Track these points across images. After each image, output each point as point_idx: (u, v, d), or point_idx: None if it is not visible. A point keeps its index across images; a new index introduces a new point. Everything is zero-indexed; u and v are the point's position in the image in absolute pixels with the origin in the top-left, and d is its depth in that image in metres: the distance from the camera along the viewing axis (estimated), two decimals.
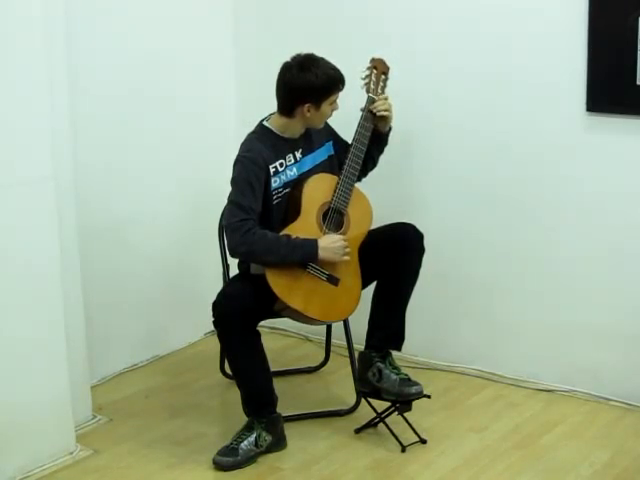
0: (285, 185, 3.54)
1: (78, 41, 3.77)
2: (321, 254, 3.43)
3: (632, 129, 3.62)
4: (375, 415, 3.62)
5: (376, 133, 3.62)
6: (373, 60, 3.68)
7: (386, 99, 3.62)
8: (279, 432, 3.54)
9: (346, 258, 3.48)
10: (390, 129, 3.69)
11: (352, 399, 3.81)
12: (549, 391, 3.94)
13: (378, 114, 3.60)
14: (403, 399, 3.49)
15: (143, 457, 3.52)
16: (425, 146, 4.10)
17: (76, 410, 3.61)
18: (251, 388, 3.51)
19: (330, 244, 3.45)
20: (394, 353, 3.59)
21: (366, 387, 3.58)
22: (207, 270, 4.27)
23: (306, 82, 3.42)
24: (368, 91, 3.63)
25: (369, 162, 3.66)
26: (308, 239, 3.44)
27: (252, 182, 3.43)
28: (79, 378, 3.68)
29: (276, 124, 3.55)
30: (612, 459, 3.42)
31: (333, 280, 3.49)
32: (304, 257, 3.43)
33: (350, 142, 3.58)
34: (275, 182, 3.51)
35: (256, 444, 3.46)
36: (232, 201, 3.44)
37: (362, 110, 3.60)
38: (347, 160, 3.55)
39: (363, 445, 3.57)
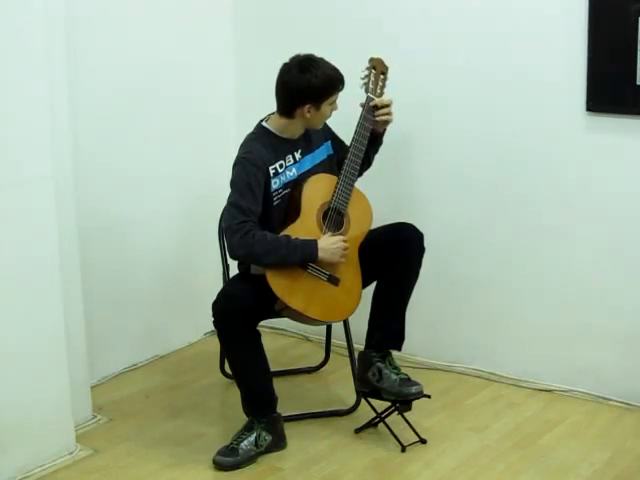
0: (285, 186, 3.54)
1: (78, 41, 3.77)
2: (321, 255, 3.42)
3: (632, 129, 3.62)
4: (375, 415, 3.62)
5: (373, 133, 3.62)
6: (372, 60, 3.68)
7: (390, 104, 3.61)
8: (279, 432, 3.54)
9: (343, 260, 3.48)
10: (385, 130, 3.70)
11: (352, 399, 3.81)
12: (549, 391, 3.94)
13: (380, 119, 3.60)
14: (403, 399, 3.49)
15: (143, 457, 3.52)
16: (425, 146, 4.10)
17: (76, 410, 3.61)
18: (251, 388, 3.51)
19: (329, 245, 3.45)
20: (394, 353, 3.59)
21: (366, 387, 3.58)
22: (207, 270, 4.27)
23: (306, 83, 3.42)
24: (367, 91, 3.63)
25: (364, 162, 3.65)
26: (308, 240, 3.44)
27: (251, 184, 3.42)
28: (79, 378, 3.68)
29: (275, 125, 3.55)
30: (612, 459, 3.42)
31: (333, 280, 3.49)
32: (304, 258, 3.42)
33: (349, 142, 3.59)
34: (275, 183, 3.51)
35: (256, 444, 3.46)
36: (231, 203, 3.44)
37: (362, 106, 3.59)
38: (346, 160, 3.55)
39: (363, 445, 3.57)
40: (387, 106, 3.62)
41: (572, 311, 3.88)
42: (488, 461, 3.43)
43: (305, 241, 3.43)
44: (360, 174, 3.66)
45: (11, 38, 3.21)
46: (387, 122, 3.64)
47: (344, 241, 3.49)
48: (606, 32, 3.58)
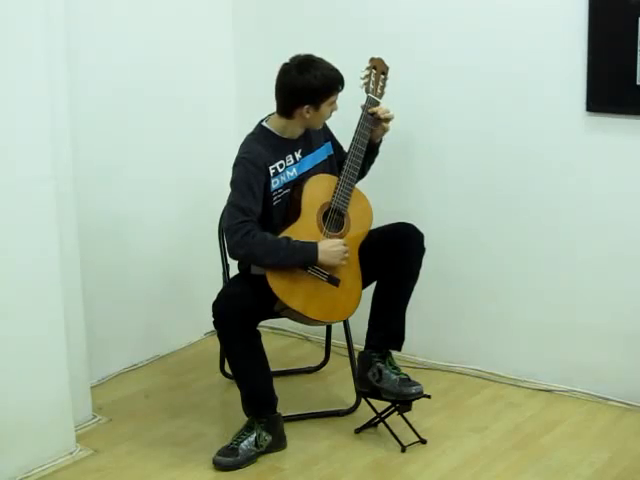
0: (285, 186, 3.53)
1: (78, 41, 3.77)
2: (321, 257, 3.42)
3: (632, 129, 3.62)
4: (375, 415, 3.62)
5: (369, 143, 3.60)
6: (372, 60, 3.68)
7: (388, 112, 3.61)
8: (279, 432, 3.54)
9: (344, 263, 3.48)
10: (381, 140, 3.69)
11: (352, 399, 3.81)
12: (549, 391, 3.94)
13: (382, 117, 3.59)
14: (403, 399, 3.49)
15: (143, 457, 3.53)
16: (425, 146, 4.10)
17: (76, 410, 3.61)
18: (251, 388, 3.51)
19: (330, 248, 3.44)
20: (394, 353, 3.59)
21: (366, 387, 3.58)
22: (207, 270, 4.26)
23: (305, 83, 3.42)
24: (367, 91, 3.63)
25: (359, 171, 3.62)
26: (308, 243, 3.44)
27: (251, 184, 3.43)
28: (79, 378, 3.68)
29: (275, 125, 3.55)
30: (612, 459, 3.42)
31: (333, 281, 3.49)
32: (304, 260, 3.42)
33: (349, 143, 3.58)
34: (275, 183, 3.51)
35: (256, 444, 3.46)
36: (232, 203, 3.44)
37: (362, 108, 3.59)
38: (347, 160, 3.55)
39: (363, 445, 3.57)
40: (387, 120, 3.61)
41: (572, 311, 3.88)
42: (488, 461, 3.43)
43: (305, 244, 3.43)
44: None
45: (11, 38, 3.21)
46: (385, 130, 3.63)
47: (344, 244, 3.49)
48: (606, 32, 3.58)
